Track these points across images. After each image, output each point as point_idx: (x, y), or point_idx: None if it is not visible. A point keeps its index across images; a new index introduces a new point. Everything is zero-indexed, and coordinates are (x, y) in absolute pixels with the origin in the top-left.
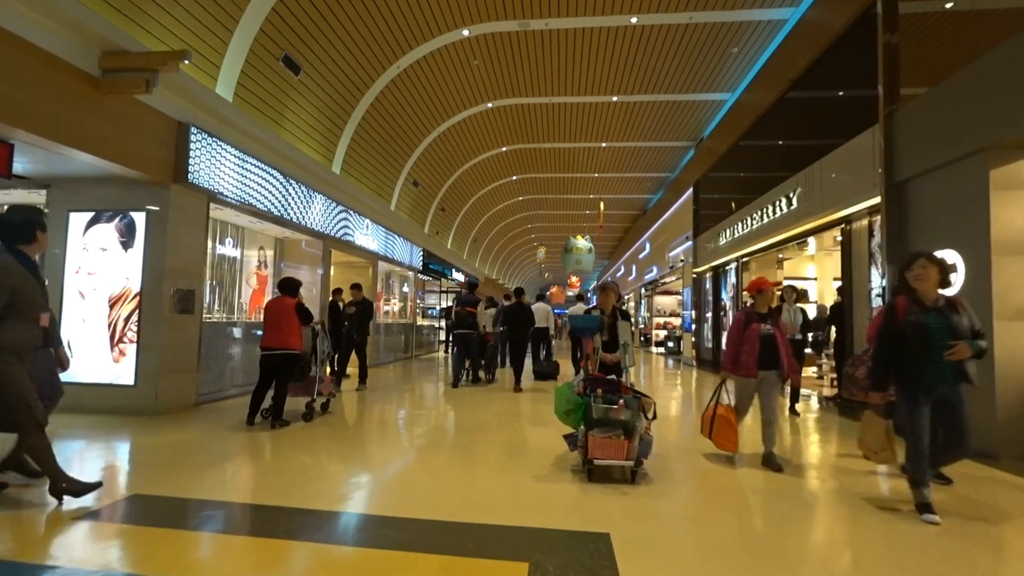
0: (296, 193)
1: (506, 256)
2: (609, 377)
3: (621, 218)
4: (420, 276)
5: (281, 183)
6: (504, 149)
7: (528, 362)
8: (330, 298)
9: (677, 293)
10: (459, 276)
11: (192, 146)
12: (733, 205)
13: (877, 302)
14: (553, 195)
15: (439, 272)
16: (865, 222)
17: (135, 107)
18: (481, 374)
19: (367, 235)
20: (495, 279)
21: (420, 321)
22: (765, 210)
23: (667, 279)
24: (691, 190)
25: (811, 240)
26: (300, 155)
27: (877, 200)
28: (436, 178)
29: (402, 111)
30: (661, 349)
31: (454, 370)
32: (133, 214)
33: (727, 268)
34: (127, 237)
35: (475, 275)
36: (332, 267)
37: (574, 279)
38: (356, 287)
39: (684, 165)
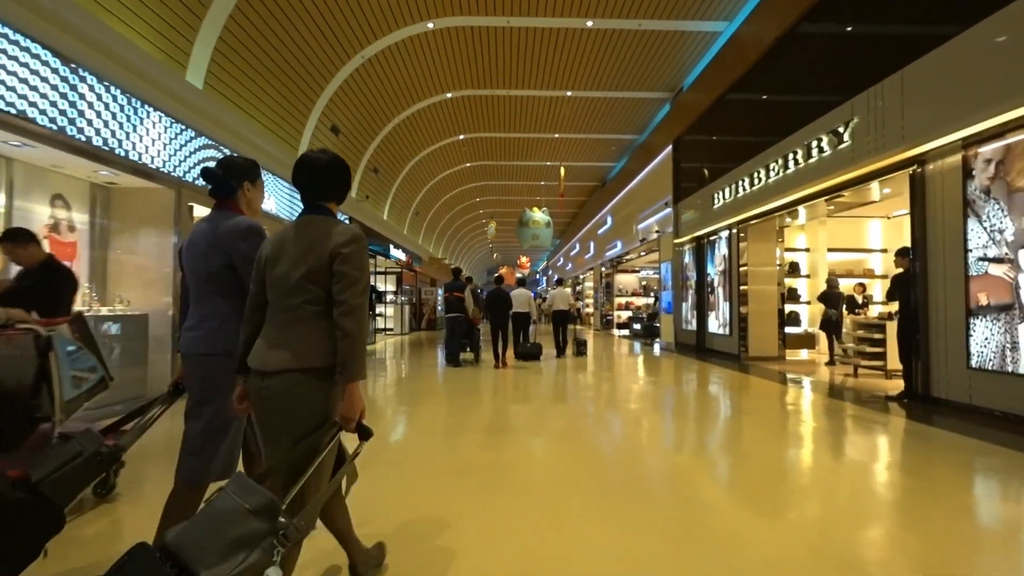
0: (105, 101)
1: (453, 233)
2: None
3: (578, 191)
4: None
5: (65, 79)
6: (449, 95)
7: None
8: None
9: (636, 271)
10: (399, 254)
11: None
12: (706, 172)
13: (980, 267)
14: (506, 161)
15: (374, 251)
16: (955, 159)
17: None
18: (467, 354)
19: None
20: (440, 258)
21: None
22: (791, 156)
23: (632, 255)
24: (670, 148)
25: (801, 209)
26: (112, 37)
27: (1006, 117)
28: (364, 128)
29: (304, 14)
30: (625, 332)
31: (449, 351)
32: None
33: (714, 238)
34: None
35: (417, 252)
36: None
37: (523, 259)
38: None
39: (655, 126)
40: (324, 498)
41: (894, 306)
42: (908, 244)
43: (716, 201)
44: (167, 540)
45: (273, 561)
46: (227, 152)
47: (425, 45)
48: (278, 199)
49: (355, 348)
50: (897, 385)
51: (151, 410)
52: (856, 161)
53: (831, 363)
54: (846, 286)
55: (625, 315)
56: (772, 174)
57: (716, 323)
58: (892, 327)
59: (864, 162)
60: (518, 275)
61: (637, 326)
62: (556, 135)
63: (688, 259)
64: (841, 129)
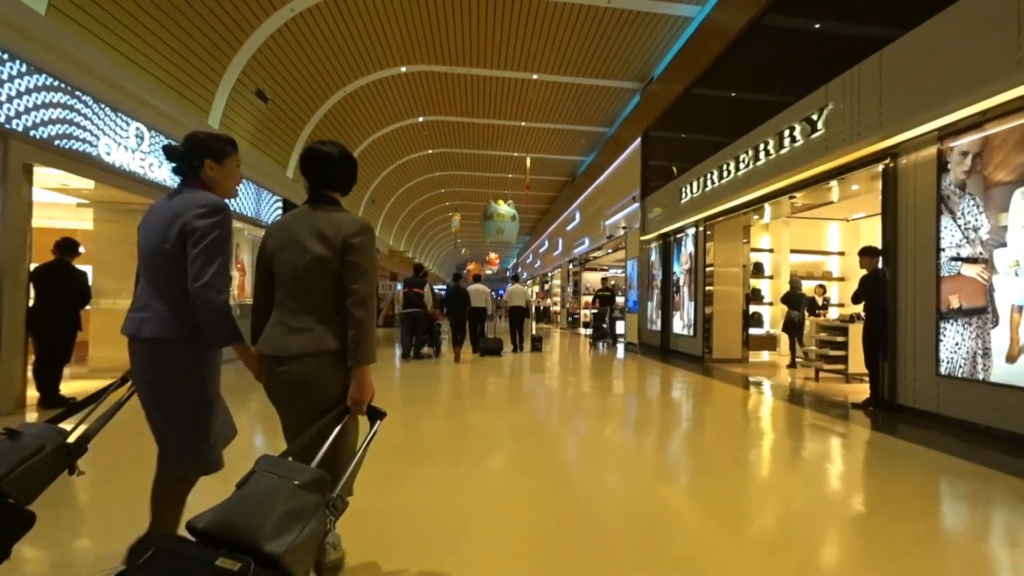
0: None
1: (417, 225)
2: None
3: (547, 185)
4: None
5: None
6: (404, 69)
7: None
8: (46, 260)
9: (605, 270)
10: None
11: None
12: (675, 170)
13: (952, 268)
14: (471, 149)
15: None
16: (930, 151)
17: None
18: (427, 350)
19: (142, 153)
20: (402, 251)
21: None
22: (762, 147)
23: (599, 252)
24: (638, 141)
25: (766, 207)
26: None
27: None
28: (301, 98)
29: None
30: (591, 331)
31: (403, 345)
32: None
33: (680, 236)
34: None
35: (377, 246)
36: (37, 202)
37: (492, 256)
38: (63, 245)
39: (624, 119)
40: (356, 472)
41: (858, 308)
42: (868, 246)
43: (684, 196)
44: (201, 526)
45: (329, 529)
46: (87, 100)
47: (371, 4)
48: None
49: (364, 334)
50: (858, 390)
51: (102, 398)
52: (829, 151)
53: (792, 366)
54: (806, 288)
55: (592, 313)
56: (742, 166)
57: (680, 324)
58: (855, 330)
59: (837, 153)
60: (488, 271)
61: (597, 324)
62: (523, 123)
63: (654, 257)
64: (815, 117)
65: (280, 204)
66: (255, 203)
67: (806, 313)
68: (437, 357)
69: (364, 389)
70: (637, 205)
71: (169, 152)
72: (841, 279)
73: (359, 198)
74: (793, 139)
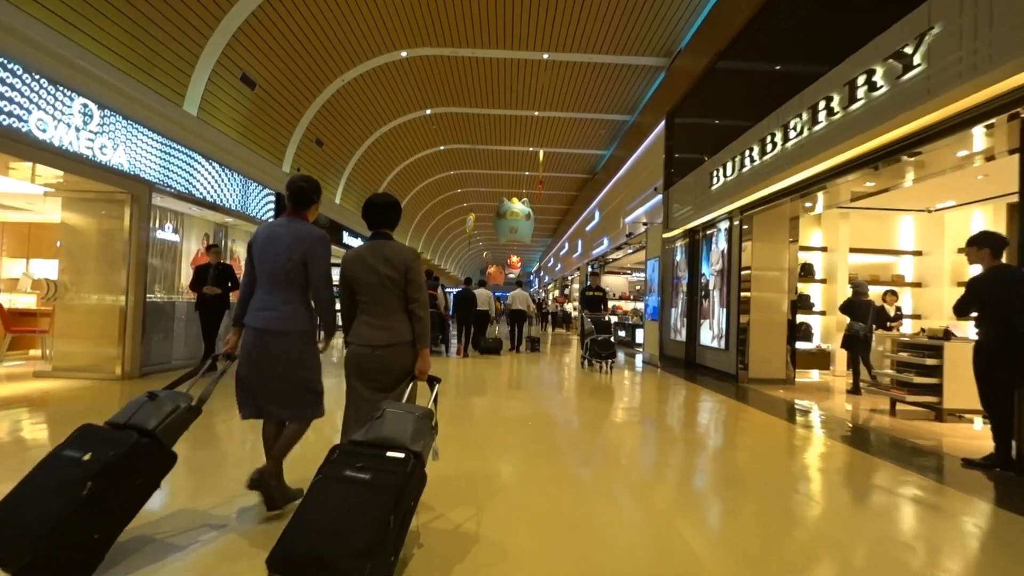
0: None
1: (435, 227)
2: None
3: (566, 183)
4: None
5: None
6: (404, 54)
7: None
8: None
9: (627, 272)
10: (358, 242)
11: None
12: (705, 158)
13: None
14: (484, 145)
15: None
16: None
17: None
18: (437, 347)
19: (91, 132)
20: (419, 253)
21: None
22: (823, 105)
23: (618, 253)
24: (662, 125)
25: (819, 195)
26: None
27: None
28: (295, 88)
29: None
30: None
31: None
32: None
33: (711, 232)
34: None
35: None
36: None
37: (514, 259)
38: None
39: (646, 103)
40: (436, 413)
41: (963, 322)
42: (985, 232)
43: (715, 180)
44: (361, 438)
45: (434, 439)
46: (15, 68)
47: None
48: (146, 155)
49: (425, 327)
50: (959, 433)
51: (200, 373)
52: (934, 94)
53: (855, 391)
54: (873, 294)
55: (592, 321)
56: (792, 134)
57: (710, 335)
58: (953, 350)
59: (949, 95)
60: (510, 274)
61: (603, 334)
62: (536, 113)
63: (679, 257)
64: (908, 49)
65: (272, 199)
66: (241, 196)
67: (873, 326)
68: (447, 354)
69: (426, 363)
70: (659, 197)
71: (297, 189)
72: (917, 284)
73: (366, 195)
74: (872, 86)
